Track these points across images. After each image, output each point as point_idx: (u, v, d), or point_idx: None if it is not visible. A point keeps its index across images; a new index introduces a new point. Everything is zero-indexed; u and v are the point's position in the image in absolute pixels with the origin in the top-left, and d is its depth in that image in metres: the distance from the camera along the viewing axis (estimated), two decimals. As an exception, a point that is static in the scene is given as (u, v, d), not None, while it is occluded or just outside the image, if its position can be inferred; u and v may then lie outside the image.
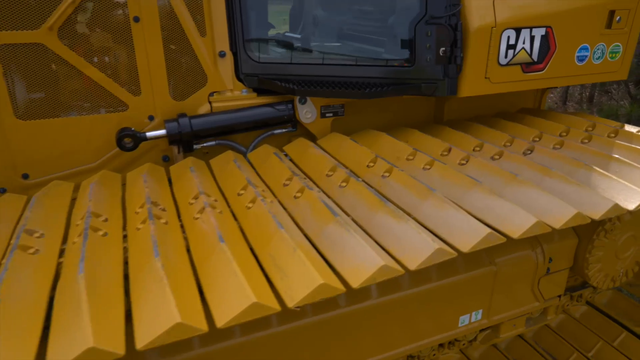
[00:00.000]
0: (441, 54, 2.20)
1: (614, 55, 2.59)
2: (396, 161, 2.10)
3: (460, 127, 2.51)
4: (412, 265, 1.36)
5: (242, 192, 1.79)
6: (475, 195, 1.70)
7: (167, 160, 2.38)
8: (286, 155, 2.32)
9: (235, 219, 1.70)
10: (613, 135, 2.39)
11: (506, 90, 2.38)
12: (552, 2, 2.32)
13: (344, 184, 1.82)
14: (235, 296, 1.21)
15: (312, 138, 2.54)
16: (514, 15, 2.25)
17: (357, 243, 1.39)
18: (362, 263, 1.33)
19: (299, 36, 2.47)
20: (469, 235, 1.46)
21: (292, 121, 2.45)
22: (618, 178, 1.84)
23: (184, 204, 1.77)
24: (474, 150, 2.21)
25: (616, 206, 1.66)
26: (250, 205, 1.68)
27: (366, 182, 1.92)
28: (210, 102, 2.35)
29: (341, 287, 1.26)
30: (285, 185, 1.85)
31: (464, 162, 2.02)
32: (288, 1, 2.55)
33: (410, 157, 2.06)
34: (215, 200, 1.75)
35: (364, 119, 2.72)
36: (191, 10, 2.19)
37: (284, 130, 2.48)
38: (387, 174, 1.89)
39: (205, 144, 2.33)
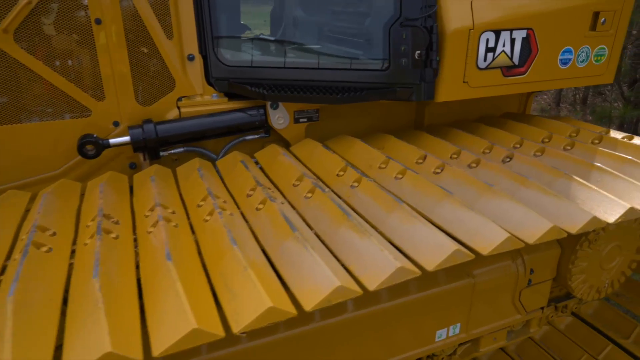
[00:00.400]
0: (417, 58, 2.11)
1: (599, 58, 2.50)
2: (368, 169, 2.01)
3: (439, 133, 2.42)
4: (372, 285, 1.27)
5: (201, 203, 1.70)
6: (446, 207, 1.61)
7: (134, 168, 2.29)
8: (257, 162, 2.23)
9: (193, 232, 1.61)
10: (597, 141, 2.30)
11: (486, 94, 2.30)
12: (533, 3, 2.23)
13: (309, 195, 1.73)
14: (175, 321, 1.12)
15: (287, 144, 2.45)
16: (492, 17, 2.16)
17: (314, 261, 1.30)
18: (317, 283, 1.24)
19: (270, 39, 2.37)
20: (434, 252, 1.37)
21: (264, 127, 2.35)
22: (598, 188, 1.75)
23: (140, 216, 1.68)
24: (451, 157, 2.12)
25: (595, 219, 1.58)
26: (207, 218, 1.59)
27: (335, 192, 1.83)
28: (178, 107, 2.26)
29: (292, 311, 1.17)
30: (248, 195, 1.76)
31: (438, 170, 1.93)
32: (260, 2, 2.46)
33: (383, 166, 1.97)
34: (173, 212, 1.66)
35: (342, 124, 2.63)
36: (157, 12, 2.10)
37: (256, 136, 2.39)
38: (356, 184, 1.80)
39: (172, 151, 2.24)
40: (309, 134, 2.53)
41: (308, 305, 1.20)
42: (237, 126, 2.31)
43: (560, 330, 2.77)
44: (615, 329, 2.70)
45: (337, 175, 1.91)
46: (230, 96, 2.34)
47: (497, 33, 2.19)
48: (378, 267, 1.30)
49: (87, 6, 1.98)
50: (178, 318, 1.12)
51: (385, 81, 2.19)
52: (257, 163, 2.22)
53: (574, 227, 1.55)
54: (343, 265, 1.36)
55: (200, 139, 2.28)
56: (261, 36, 2.40)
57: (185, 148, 2.27)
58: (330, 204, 1.60)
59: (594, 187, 1.76)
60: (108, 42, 2.04)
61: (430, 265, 1.34)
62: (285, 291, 1.25)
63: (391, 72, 2.16)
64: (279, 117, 2.34)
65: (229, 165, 2.10)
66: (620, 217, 1.61)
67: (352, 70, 2.20)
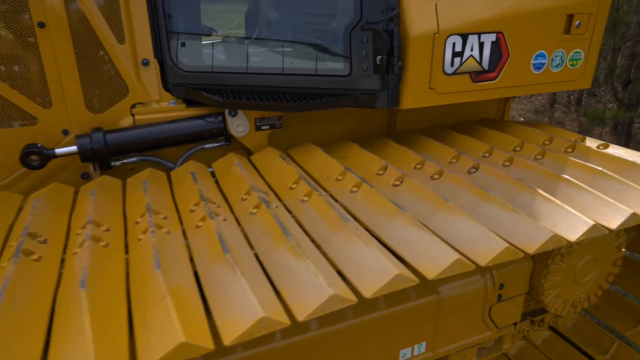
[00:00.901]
0: (378, 63, 2.01)
1: (574, 62, 2.40)
2: (326, 181, 1.91)
3: (407, 141, 2.32)
4: (301, 315, 1.16)
5: (139, 220, 1.59)
6: (396, 225, 1.51)
7: (86, 178, 2.18)
8: (214, 173, 2.13)
9: (127, 253, 1.51)
10: (570, 150, 2.20)
11: (454, 101, 2.19)
12: (502, 6, 2.13)
13: (254, 211, 1.62)
14: (76, 357, 1.02)
15: (249, 152, 2.35)
16: (459, 21, 2.06)
17: (240, 288, 1.20)
18: (240, 313, 1.14)
19: (228, 42, 2.27)
20: (375, 277, 1.27)
21: (223, 135, 2.25)
22: (563, 203, 1.65)
23: (72, 234, 1.58)
24: (415, 168, 2.02)
25: (555, 237, 1.47)
26: (141, 237, 1.48)
27: (286, 207, 1.73)
28: (133, 115, 2.16)
29: (208, 346, 1.07)
30: (191, 211, 1.66)
31: (397, 183, 1.82)
32: (219, 4, 2.35)
33: (340, 177, 1.87)
34: (107, 230, 1.56)
35: (312, 131, 2.53)
36: (106, 15, 2.00)
37: (216, 144, 2.29)
38: (306, 198, 1.70)
39: (125, 161, 2.14)
40: (274, 142, 2.42)
41: (228, 338, 1.10)
42: (194, 134, 2.21)
43: (536, 346, 2.66)
44: (593, 344, 2.60)
45: (290, 188, 1.81)
46: (189, 103, 2.24)
47: (464, 37, 2.08)
48: (310, 294, 1.20)
49: (28, 9, 1.87)
50: (80, 354, 1.02)
51: (347, 87, 2.08)
52: (213, 174, 2.12)
53: (532, 247, 1.45)
54: (277, 290, 1.26)
55: (155, 148, 2.17)
56: (219, 40, 2.30)
57: (139, 157, 2.16)
58: (272, 222, 1.49)
59: (558, 201, 1.65)
60: (54, 46, 1.94)
61: (369, 291, 1.24)
62: (209, 321, 1.15)
63: (352, 78, 2.06)
64: (238, 125, 2.24)
65: (180, 177, 2.00)
66: (582, 235, 1.51)
67: (312, 76, 2.09)
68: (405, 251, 1.41)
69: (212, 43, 2.22)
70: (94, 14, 1.97)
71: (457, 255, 1.34)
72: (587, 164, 1.95)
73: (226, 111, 2.19)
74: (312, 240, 1.49)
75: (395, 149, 2.19)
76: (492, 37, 2.14)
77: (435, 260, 1.34)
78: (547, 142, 2.30)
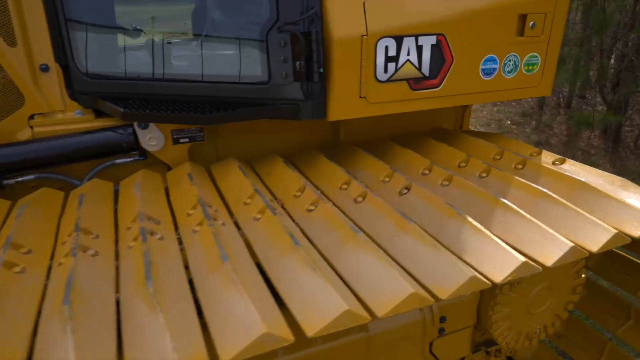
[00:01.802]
0: (298, 69, 1.77)
1: (530, 67, 2.16)
2: (235, 205, 1.68)
3: (341, 156, 2.09)
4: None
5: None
6: (288, 265, 1.27)
7: (-20, 196, 1.95)
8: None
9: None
10: (520, 167, 1.96)
11: (391, 111, 1.96)
12: (443, 5, 1.89)
13: (132, 244, 1.39)
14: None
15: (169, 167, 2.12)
16: (392, 21, 1.82)
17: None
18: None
19: (139, 46, 2.03)
20: (242, 334, 1.03)
21: (136, 149, 2.02)
22: (494, 235, 1.41)
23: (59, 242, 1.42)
24: (340, 188, 1.78)
25: (473, 280, 1.24)
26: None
27: (179, 237, 1.49)
28: (31, 127, 1.92)
29: None
30: (61, 244, 1.43)
31: (312, 208, 1.59)
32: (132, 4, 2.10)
33: (248, 201, 1.64)
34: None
35: (246, 142, 2.30)
36: (-9, 15, 1.76)
37: (129, 159, 2.05)
38: (197, 228, 1.46)
39: (20, 179, 1.90)
40: (198, 156, 2.19)
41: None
42: (101, 148, 1.98)
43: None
44: (554, 376, 2.36)
45: (187, 214, 1.57)
46: (99, 113, 2.01)
47: (399, 40, 1.85)
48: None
49: None
50: None
51: (267, 97, 1.85)
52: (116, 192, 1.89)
53: (445, 291, 1.22)
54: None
55: (56, 164, 1.94)
56: (130, 43, 2.06)
57: (37, 175, 1.93)
58: (139, 261, 1.26)
59: (488, 233, 1.42)
60: None
61: (228, 354, 1.00)
62: None
63: (272, 86, 1.82)
64: (151, 138, 2.00)
65: (75, 196, 1.77)
66: (509, 275, 1.28)
67: (230, 83, 1.86)
68: (293, 298, 1.17)
69: (124, 46, 1.98)
70: (-24, 15, 1.74)
71: (346, 307, 1.10)
72: (533, 185, 1.71)
73: (135, 123, 1.96)
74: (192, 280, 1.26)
75: (324, 166, 1.96)
76: (432, 39, 1.91)
77: (323, 310, 1.10)
78: (498, 157, 2.06)
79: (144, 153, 2.07)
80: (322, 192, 1.75)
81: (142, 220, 1.44)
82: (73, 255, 1.26)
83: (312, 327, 1.06)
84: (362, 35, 1.78)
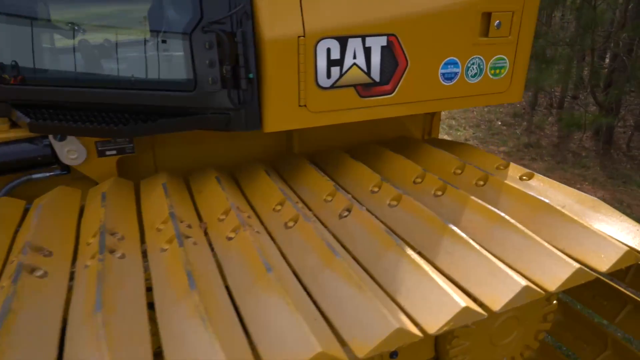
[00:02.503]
0: (225, 74, 1.56)
1: (497, 71, 1.95)
2: (149, 229, 1.47)
3: (286, 170, 1.87)
4: None
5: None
6: (178, 312, 1.06)
7: None
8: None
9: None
10: (482, 183, 1.75)
11: (338, 121, 1.75)
12: (394, 1, 1.68)
13: (38, 273, 1.18)
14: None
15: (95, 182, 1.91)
16: (333, 20, 1.61)
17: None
18: None
19: (58, 48, 1.82)
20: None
21: (54, 162, 1.80)
22: (433, 273, 1.20)
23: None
24: (274, 210, 1.57)
25: (399, 333, 1.03)
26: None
27: (86, 267, 1.29)
28: None
29: None
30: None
31: (232, 235, 1.38)
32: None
33: (162, 227, 1.43)
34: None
35: (188, 153, 2.09)
36: None
37: (48, 174, 1.84)
38: (115, 253, 1.25)
39: None
40: (132, 169, 1.98)
41: None
42: (16, 162, 1.77)
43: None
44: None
45: (87, 244, 1.36)
46: (15, 122, 1.79)
47: (343, 41, 1.64)
48: None
49: None
50: None
51: (194, 105, 1.64)
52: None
53: (363, 348, 1.01)
54: None
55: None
56: (49, 45, 1.84)
57: (-64, 192, 1.72)
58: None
59: (428, 270, 1.21)
60: None
61: None
62: None
63: (198, 93, 1.61)
64: (70, 151, 1.79)
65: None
66: (445, 325, 1.07)
67: (154, 90, 1.65)
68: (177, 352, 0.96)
69: (32, 48, 1.76)
70: None
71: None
72: (490, 207, 1.49)
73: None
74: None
75: (263, 182, 1.75)
76: (382, 40, 1.70)
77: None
78: (459, 172, 1.85)
79: (66, 167, 1.86)
80: (254, 213, 1.55)
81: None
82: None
83: None
84: (299, 36, 1.57)
